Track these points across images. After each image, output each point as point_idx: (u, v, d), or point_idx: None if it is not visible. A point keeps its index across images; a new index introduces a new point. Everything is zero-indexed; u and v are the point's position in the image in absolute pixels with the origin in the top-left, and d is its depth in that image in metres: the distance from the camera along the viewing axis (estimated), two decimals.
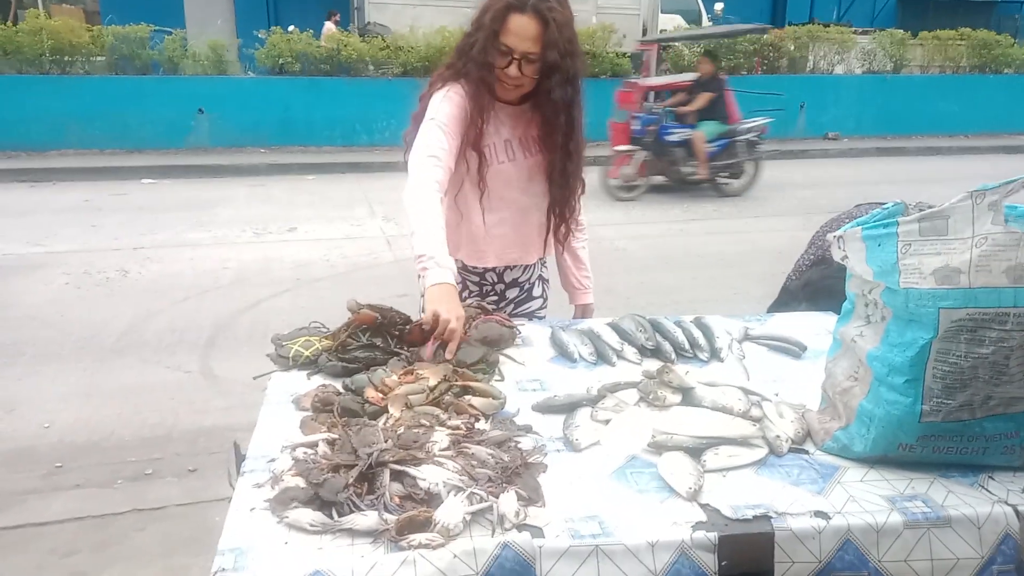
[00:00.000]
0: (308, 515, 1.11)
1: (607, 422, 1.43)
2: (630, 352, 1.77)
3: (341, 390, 1.51)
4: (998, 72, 14.19)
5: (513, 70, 1.87)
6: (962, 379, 1.19)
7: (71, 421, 3.62)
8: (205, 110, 10.91)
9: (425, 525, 1.09)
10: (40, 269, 5.88)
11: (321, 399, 1.46)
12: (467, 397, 1.48)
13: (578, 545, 1.08)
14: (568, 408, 1.48)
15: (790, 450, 1.35)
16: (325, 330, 1.76)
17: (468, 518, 1.11)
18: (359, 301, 1.73)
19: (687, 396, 1.51)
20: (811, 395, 1.49)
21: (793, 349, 1.80)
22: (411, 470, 1.18)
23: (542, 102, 1.95)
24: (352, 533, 1.09)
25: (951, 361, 1.19)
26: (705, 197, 8.93)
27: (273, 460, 1.28)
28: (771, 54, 13.36)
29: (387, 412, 1.41)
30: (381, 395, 1.46)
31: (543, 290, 2.30)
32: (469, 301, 2.00)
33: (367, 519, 1.10)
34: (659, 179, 8.96)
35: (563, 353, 1.78)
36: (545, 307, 2.31)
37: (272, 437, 1.36)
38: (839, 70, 13.90)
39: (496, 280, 2.18)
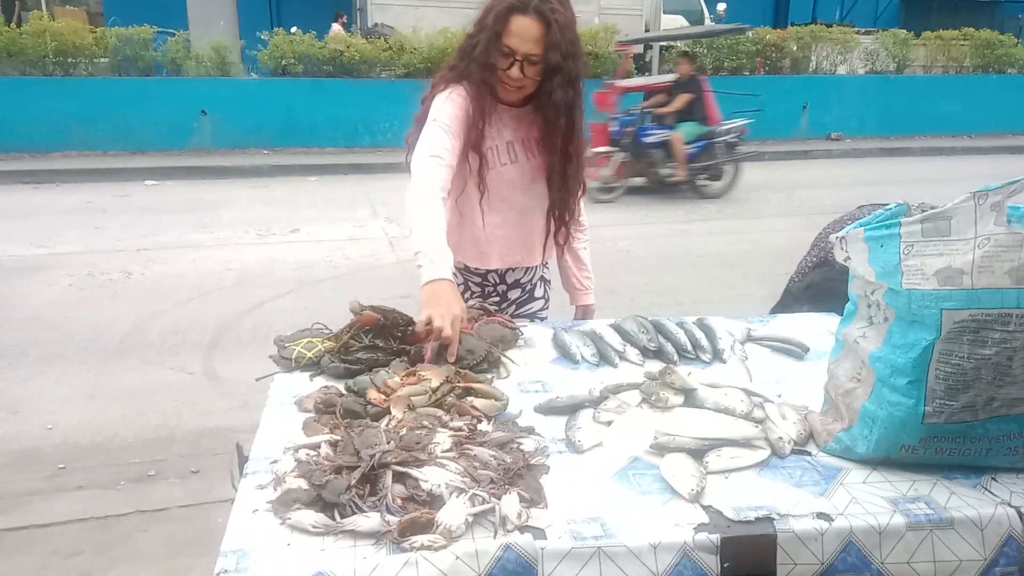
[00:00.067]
0: (310, 516, 1.11)
1: (609, 423, 1.43)
2: (632, 353, 1.77)
3: (343, 391, 1.52)
4: (1001, 72, 14.17)
5: (515, 71, 1.87)
6: (965, 380, 1.19)
7: (74, 422, 3.62)
8: (208, 111, 10.93)
9: (427, 527, 1.09)
10: (43, 271, 5.90)
11: (323, 400, 1.46)
12: (469, 398, 1.48)
13: (580, 547, 1.08)
14: (570, 409, 1.48)
15: (792, 451, 1.34)
16: (328, 331, 1.76)
17: (470, 519, 1.11)
18: (362, 302, 1.73)
19: (689, 397, 1.51)
20: (813, 396, 1.48)
21: (795, 350, 1.80)
22: (413, 472, 1.18)
23: (543, 103, 1.94)
24: (354, 534, 1.09)
25: (954, 362, 1.18)
26: (707, 198, 8.93)
27: (276, 461, 1.28)
28: (774, 54, 13.35)
29: (389, 413, 1.41)
30: (383, 396, 1.46)
31: (545, 291, 2.30)
32: (471, 302, 2.00)
33: (369, 521, 1.10)
34: (638, 181, 8.86)
35: (565, 354, 1.78)
36: (547, 308, 2.31)
37: (275, 438, 1.36)
38: (842, 70, 13.89)
39: (498, 281, 2.18)
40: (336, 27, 13.36)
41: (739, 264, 6.25)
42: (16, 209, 7.99)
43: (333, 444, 1.28)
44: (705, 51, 12.79)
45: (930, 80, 14.05)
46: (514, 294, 2.21)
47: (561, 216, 2.09)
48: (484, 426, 1.40)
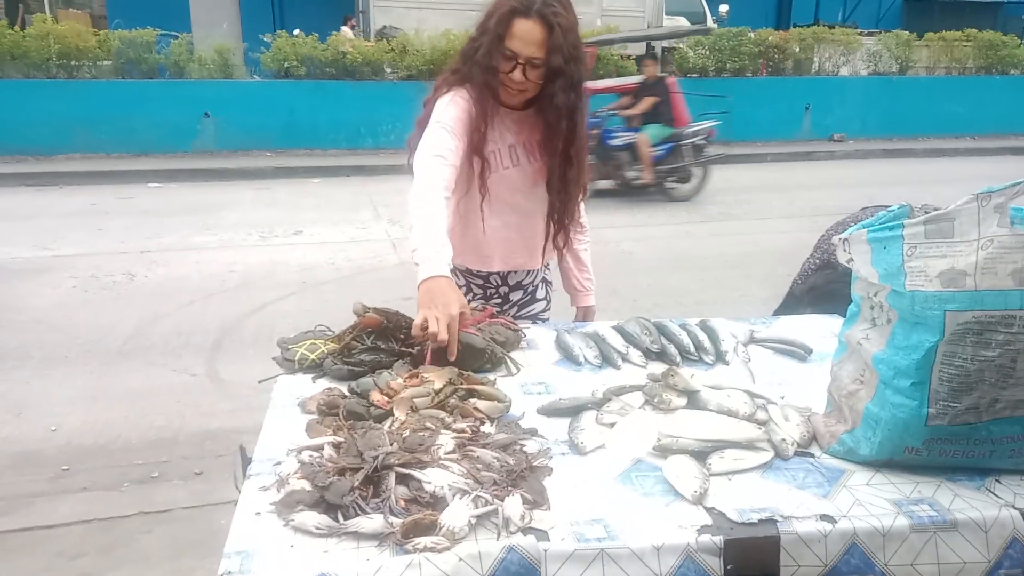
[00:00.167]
0: (314, 518, 1.11)
1: (612, 425, 1.43)
2: (635, 355, 1.77)
3: (346, 393, 1.52)
4: (1004, 73, 14.15)
5: (517, 75, 1.87)
6: (968, 382, 1.19)
7: (78, 424, 3.63)
8: (211, 114, 10.95)
9: (430, 528, 1.09)
10: (47, 273, 5.91)
11: (327, 402, 1.46)
12: (472, 400, 1.48)
13: (583, 548, 1.08)
14: (573, 411, 1.48)
15: (796, 453, 1.34)
16: (330, 333, 1.76)
17: (473, 521, 1.11)
18: (365, 304, 1.73)
19: (692, 399, 1.51)
20: (817, 398, 1.48)
21: (799, 352, 1.80)
22: (416, 473, 1.18)
23: (545, 107, 1.94)
24: (358, 536, 1.09)
25: (957, 364, 1.18)
26: (709, 198, 8.92)
27: (279, 463, 1.28)
28: (776, 56, 13.34)
29: (392, 415, 1.41)
30: (386, 398, 1.46)
31: (546, 292, 2.30)
32: (473, 304, 2.00)
33: (373, 522, 1.10)
34: (604, 184, 8.74)
35: (568, 356, 1.78)
36: (549, 309, 2.30)
37: (278, 440, 1.36)
38: (844, 72, 13.88)
39: (500, 283, 2.18)
40: (345, 30, 13.39)
41: (741, 265, 6.25)
42: (20, 211, 8.01)
43: (336, 446, 1.28)
44: (708, 52, 12.79)
45: (933, 81, 14.03)
46: (516, 296, 2.21)
47: (561, 219, 2.08)
48: (487, 428, 1.40)
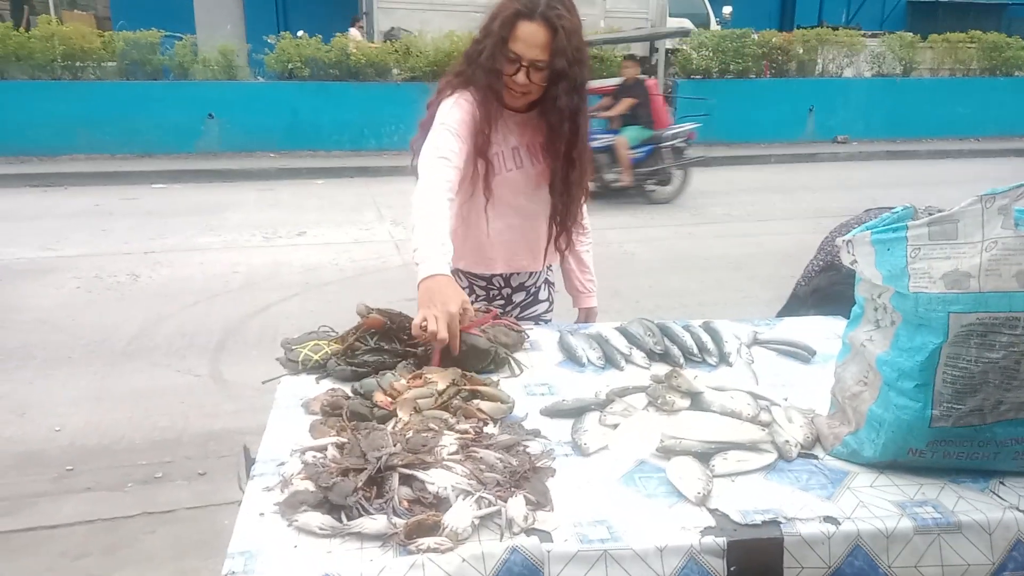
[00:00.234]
0: (317, 519, 1.11)
1: (615, 426, 1.43)
2: (639, 356, 1.77)
3: (350, 394, 1.52)
4: (1009, 75, 14.12)
5: (521, 77, 1.87)
6: (972, 384, 1.18)
7: (82, 424, 3.64)
8: (215, 115, 10.97)
9: (434, 529, 1.09)
10: (51, 273, 5.92)
11: (330, 403, 1.47)
12: (475, 401, 1.48)
13: (586, 549, 1.08)
14: (576, 412, 1.48)
15: (799, 455, 1.34)
16: (334, 334, 1.77)
17: (476, 522, 1.11)
18: (368, 305, 1.74)
19: (696, 401, 1.51)
20: (820, 400, 1.48)
21: (802, 354, 1.80)
22: (420, 474, 1.19)
23: (548, 109, 1.94)
24: (361, 537, 1.10)
25: (961, 366, 1.18)
26: (710, 200, 8.91)
27: (282, 464, 1.29)
28: (780, 57, 13.33)
29: (396, 416, 1.41)
30: (390, 399, 1.46)
31: (549, 293, 2.30)
32: (476, 305, 2.00)
33: (376, 523, 1.10)
34: None
35: (571, 357, 1.78)
36: (551, 310, 2.31)
37: (281, 441, 1.36)
38: (848, 73, 13.85)
39: (503, 284, 2.18)
40: (353, 31, 13.40)
41: (745, 267, 6.24)
42: (24, 212, 8.03)
43: (340, 446, 1.29)
44: (711, 54, 12.78)
45: (937, 83, 14.00)
46: (519, 297, 2.21)
47: (563, 222, 2.08)
48: (490, 429, 1.40)
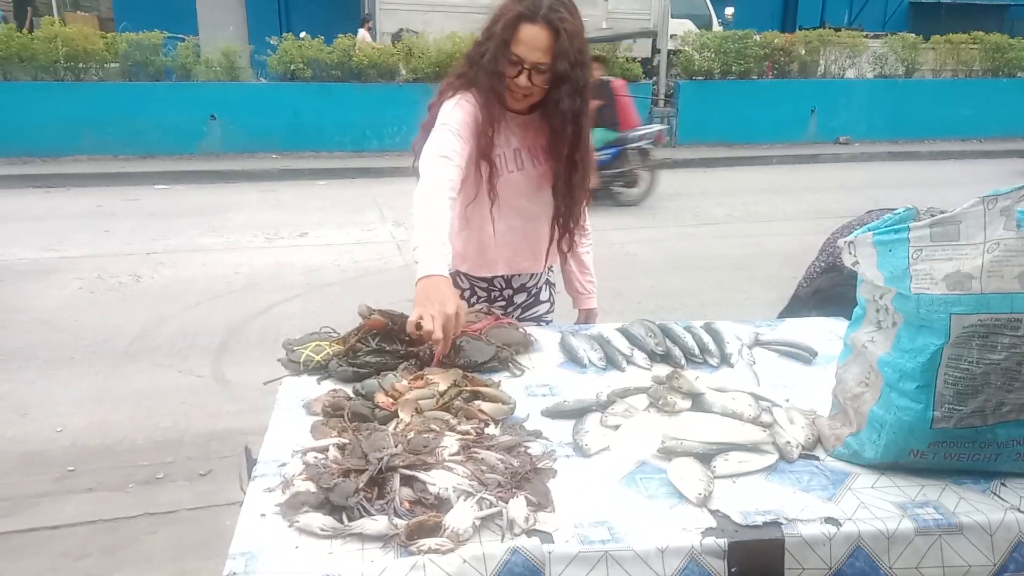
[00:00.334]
0: (318, 519, 1.11)
1: (617, 427, 1.43)
2: (640, 357, 1.77)
3: (352, 395, 1.52)
4: (1011, 75, 14.10)
5: (523, 80, 1.87)
6: (974, 385, 1.18)
7: (84, 425, 3.64)
8: (217, 116, 10.99)
9: (435, 530, 1.09)
10: (53, 274, 5.93)
11: (332, 404, 1.47)
12: (477, 402, 1.49)
13: (587, 550, 1.08)
14: (578, 413, 1.48)
15: (800, 456, 1.34)
16: (336, 335, 1.77)
17: (478, 523, 1.11)
18: (370, 306, 1.74)
19: (697, 402, 1.51)
20: (822, 401, 1.48)
21: (804, 355, 1.79)
22: (421, 475, 1.19)
23: (550, 112, 1.93)
24: (362, 538, 1.10)
25: (963, 367, 1.18)
26: (712, 201, 8.91)
27: (284, 464, 1.29)
28: (782, 58, 13.32)
29: (397, 417, 1.42)
30: (391, 400, 1.47)
31: (550, 294, 2.30)
32: (478, 306, 2.00)
33: (377, 524, 1.10)
34: None
35: (573, 358, 1.78)
36: (552, 311, 2.31)
37: (283, 442, 1.37)
38: (850, 74, 13.84)
39: (504, 285, 2.18)
40: (363, 32, 13.43)
41: (746, 268, 6.24)
42: (27, 212, 8.05)
43: (341, 447, 1.29)
44: (713, 55, 12.78)
45: (939, 84, 13.99)
46: (520, 298, 2.21)
47: (566, 224, 2.08)
48: (491, 430, 1.40)
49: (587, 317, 2.32)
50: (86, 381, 4.11)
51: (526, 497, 1.16)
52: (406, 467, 1.20)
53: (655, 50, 12.01)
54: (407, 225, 7.40)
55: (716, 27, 16.22)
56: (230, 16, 12.16)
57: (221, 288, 5.68)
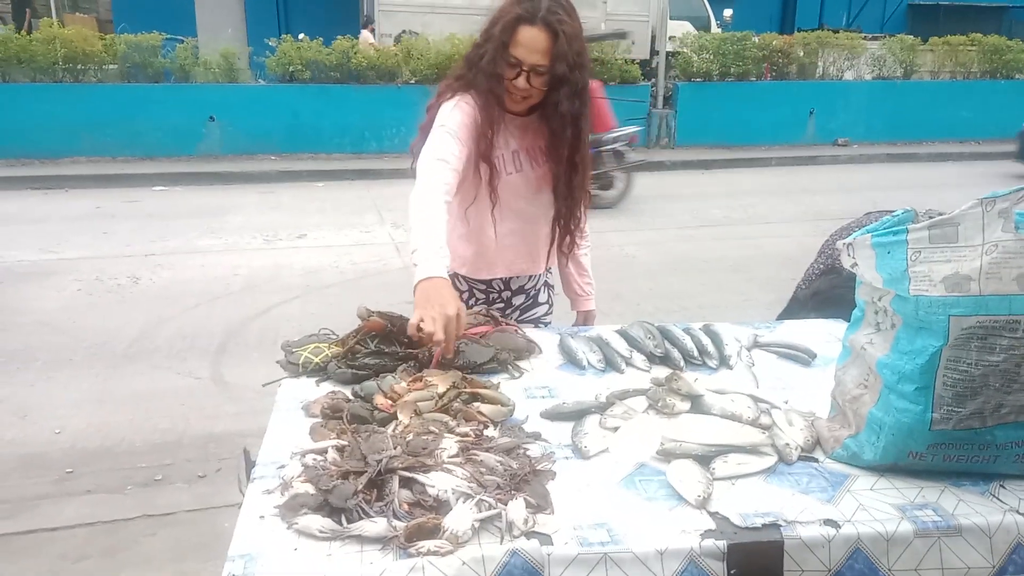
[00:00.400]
0: (317, 521, 1.11)
1: (616, 429, 1.43)
2: (639, 359, 1.77)
3: (350, 397, 1.52)
4: (1009, 77, 14.11)
5: (522, 82, 1.87)
6: (973, 387, 1.18)
7: (83, 427, 3.64)
8: (216, 117, 10.98)
9: (434, 532, 1.09)
10: (52, 276, 5.93)
11: (331, 406, 1.47)
12: (476, 404, 1.48)
13: (587, 553, 1.08)
14: (577, 415, 1.48)
15: (800, 458, 1.34)
16: (335, 337, 1.77)
17: (477, 525, 1.11)
18: (369, 308, 1.74)
19: (696, 403, 1.51)
20: (821, 403, 1.48)
21: (803, 356, 1.80)
22: (420, 477, 1.19)
23: (549, 114, 1.93)
24: (361, 540, 1.10)
25: (962, 369, 1.18)
26: (710, 203, 8.91)
27: (283, 466, 1.29)
28: (780, 60, 13.34)
29: (396, 419, 1.42)
30: (390, 402, 1.46)
31: (548, 296, 2.30)
32: (477, 308, 2.00)
33: (376, 526, 1.10)
34: None
35: (572, 360, 1.78)
36: (551, 313, 2.31)
37: (282, 443, 1.36)
38: (849, 76, 13.85)
39: (502, 287, 2.18)
40: (365, 33, 13.43)
41: (745, 270, 6.24)
42: (26, 214, 8.04)
43: (340, 449, 1.29)
44: (712, 57, 12.79)
45: (938, 86, 14.00)
46: (518, 300, 2.21)
47: (567, 225, 2.09)
48: (490, 432, 1.40)
49: (585, 319, 2.32)
50: (85, 383, 4.11)
51: (525, 499, 1.16)
52: (405, 469, 1.20)
53: (654, 52, 12.01)
54: (406, 227, 7.36)
55: (715, 29, 16.23)
56: (229, 18, 12.16)
57: (220, 290, 5.67)
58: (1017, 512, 1.19)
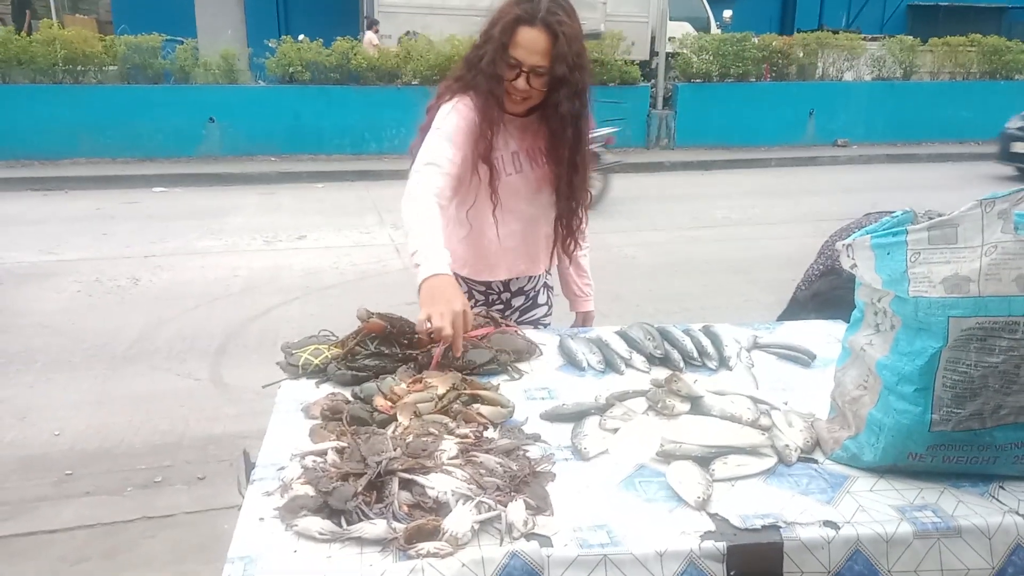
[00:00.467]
0: (317, 523, 1.11)
1: (615, 431, 1.43)
2: (639, 360, 1.77)
3: (350, 398, 1.52)
4: (1009, 78, 14.12)
5: (521, 83, 1.87)
6: (972, 388, 1.18)
7: (82, 428, 3.64)
8: (216, 119, 11.00)
9: (434, 534, 1.09)
10: (52, 277, 5.93)
11: (330, 407, 1.47)
12: (475, 406, 1.48)
13: (586, 554, 1.08)
14: (576, 417, 1.48)
15: (799, 459, 1.34)
16: (334, 338, 1.77)
17: (476, 527, 1.11)
18: (368, 309, 1.74)
19: (696, 405, 1.51)
20: (820, 404, 1.48)
21: (802, 358, 1.79)
22: (420, 479, 1.19)
23: (549, 115, 1.93)
24: (361, 541, 1.10)
25: (961, 370, 1.18)
26: (710, 204, 8.91)
27: (283, 468, 1.29)
28: (780, 61, 13.35)
29: (396, 420, 1.42)
30: (390, 403, 1.46)
31: (548, 297, 2.30)
32: (477, 310, 2.00)
33: (376, 528, 1.10)
34: None
35: (571, 361, 1.78)
36: (550, 314, 2.31)
37: (282, 445, 1.36)
38: (848, 77, 13.86)
39: (502, 289, 2.18)
40: (370, 35, 13.45)
41: (745, 271, 6.24)
42: (25, 216, 8.04)
43: (340, 451, 1.29)
44: (711, 58, 12.80)
45: (937, 86, 14.01)
46: (518, 301, 2.21)
47: (569, 225, 2.09)
48: (490, 433, 1.40)
49: (584, 320, 2.32)
50: (85, 385, 4.11)
51: (525, 501, 1.16)
52: (405, 471, 1.20)
53: (653, 53, 12.02)
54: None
55: (714, 29, 16.25)
56: (229, 19, 12.16)
57: (219, 291, 5.68)
58: (1016, 513, 1.19)
